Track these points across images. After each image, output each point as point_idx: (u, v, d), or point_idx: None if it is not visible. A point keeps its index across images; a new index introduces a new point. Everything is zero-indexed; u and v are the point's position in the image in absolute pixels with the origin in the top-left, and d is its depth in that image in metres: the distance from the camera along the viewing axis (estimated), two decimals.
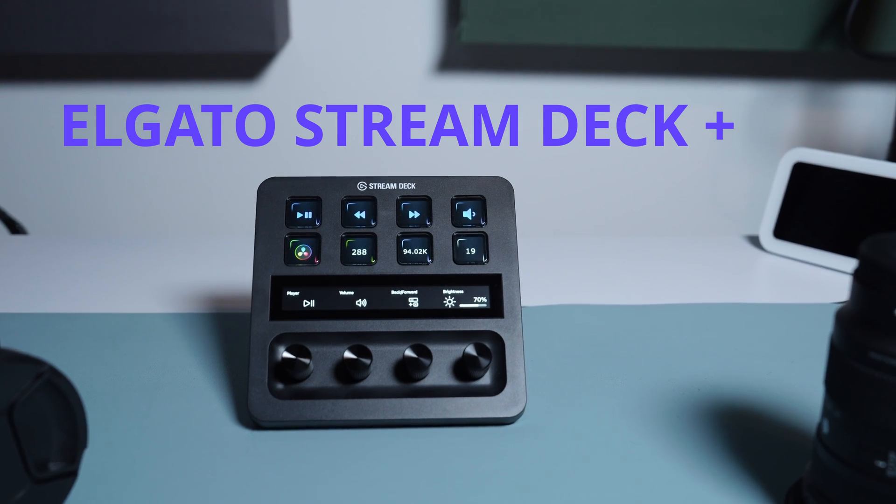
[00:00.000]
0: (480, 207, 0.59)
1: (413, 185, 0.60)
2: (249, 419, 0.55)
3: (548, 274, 0.80)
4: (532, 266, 0.80)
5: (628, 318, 0.70)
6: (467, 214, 0.59)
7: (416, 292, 0.57)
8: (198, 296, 0.74)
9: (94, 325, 0.68)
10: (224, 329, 0.67)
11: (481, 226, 0.59)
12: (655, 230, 1.17)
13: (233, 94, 1.10)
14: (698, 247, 0.88)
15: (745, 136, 1.14)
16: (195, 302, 0.73)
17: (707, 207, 1.17)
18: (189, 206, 1.15)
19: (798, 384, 0.61)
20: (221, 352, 0.64)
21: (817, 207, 0.82)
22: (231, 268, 0.80)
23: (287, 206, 0.59)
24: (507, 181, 0.60)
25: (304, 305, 0.56)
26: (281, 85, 1.10)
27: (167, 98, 1.10)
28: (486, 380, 0.56)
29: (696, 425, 0.55)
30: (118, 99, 1.10)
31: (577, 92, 1.11)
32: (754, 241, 0.89)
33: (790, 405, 0.58)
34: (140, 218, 1.15)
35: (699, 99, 1.12)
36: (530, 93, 1.11)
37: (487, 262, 0.58)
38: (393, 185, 0.60)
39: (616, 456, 0.52)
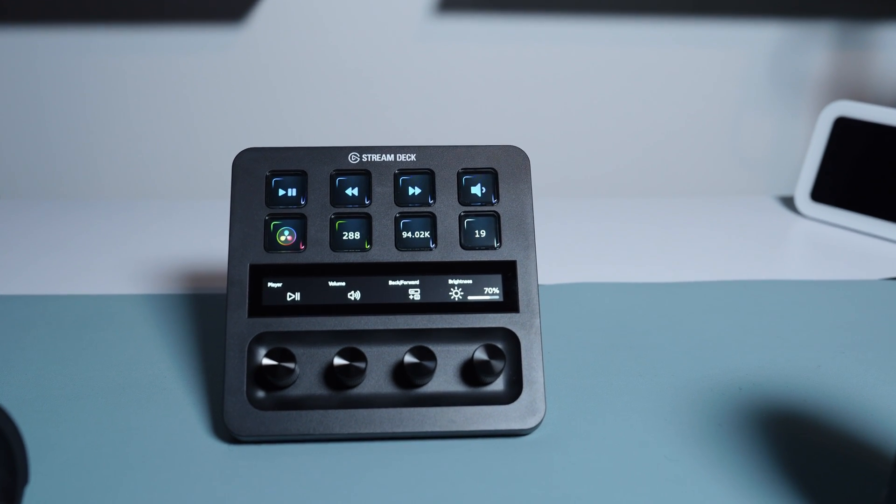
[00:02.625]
0: (491, 182, 0.51)
1: (413, 157, 0.51)
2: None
3: (558, 243, 0.72)
4: (540, 234, 0.71)
5: (654, 298, 0.63)
6: (476, 190, 0.51)
7: (417, 283, 0.49)
8: (176, 272, 0.67)
9: (54, 311, 0.60)
10: (204, 314, 0.60)
11: (492, 204, 0.51)
12: (672, 188, 1.08)
13: (217, 38, 1.00)
14: (726, 209, 0.80)
15: (769, 80, 1.05)
16: (173, 280, 0.65)
17: (727, 161, 1.09)
18: (169, 165, 1.06)
19: (852, 382, 0.53)
20: (200, 343, 0.56)
21: (861, 167, 0.74)
22: (215, 238, 0.72)
23: (267, 182, 0.51)
24: (521, 151, 0.52)
25: (288, 299, 0.49)
26: (268, 27, 1.00)
27: (145, 42, 1.00)
28: (498, 385, 0.48)
29: (740, 436, 0.48)
30: (91, 41, 1.00)
31: (589, 33, 1.02)
32: (788, 202, 0.80)
33: (846, 409, 0.50)
34: (115, 179, 1.07)
35: (718, 40, 1.03)
36: (538, 34, 1.02)
37: (500, 246, 0.50)
38: (390, 157, 0.51)
39: (649, 476, 0.45)
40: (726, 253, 0.71)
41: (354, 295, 0.49)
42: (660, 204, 0.81)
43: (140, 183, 1.06)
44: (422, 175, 0.51)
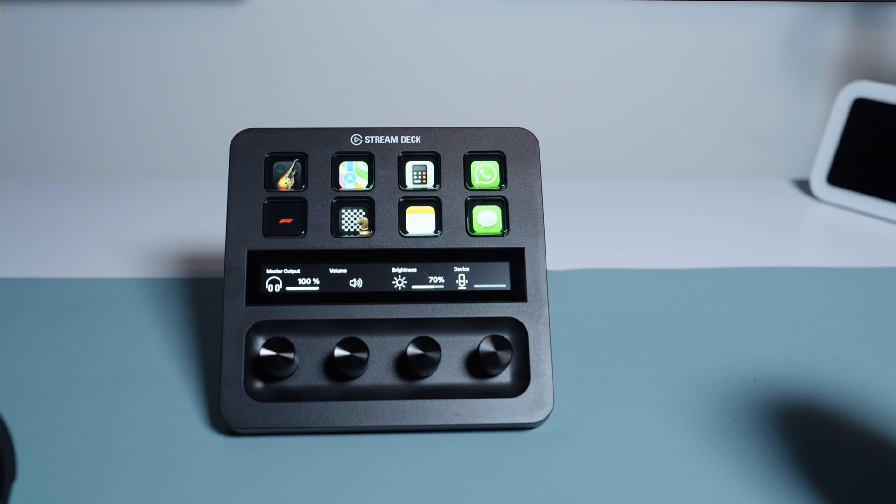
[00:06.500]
0: (499, 166, 0.50)
1: (418, 139, 0.50)
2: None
3: (565, 227, 0.71)
4: (546, 218, 0.70)
5: (665, 285, 0.61)
6: (483, 174, 0.50)
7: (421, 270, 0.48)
8: (175, 255, 0.65)
9: (47, 295, 0.59)
10: (204, 299, 0.58)
11: (500, 189, 0.49)
12: (684, 170, 1.07)
13: (218, 14, 0.99)
14: (739, 192, 0.78)
15: (784, 59, 1.03)
16: (171, 263, 0.64)
17: (740, 142, 1.07)
18: (168, 143, 1.05)
19: (870, 374, 0.52)
20: (198, 330, 0.55)
21: (880, 150, 0.72)
22: (215, 219, 0.70)
23: (266, 165, 0.49)
24: (530, 133, 0.50)
25: (288, 287, 0.47)
26: (270, 3, 0.98)
27: (145, 17, 0.99)
28: (505, 377, 0.47)
29: (754, 431, 0.47)
30: (90, 16, 0.99)
31: (599, 10, 1.00)
32: (803, 186, 0.79)
33: (864, 402, 0.49)
34: (112, 157, 1.05)
35: (731, 18, 1.01)
36: (547, 11, 1.00)
37: (507, 233, 0.49)
38: (394, 139, 0.50)
39: (660, 472, 0.44)
40: (739, 238, 0.69)
41: (356, 282, 0.47)
42: (671, 187, 0.80)
43: (138, 161, 1.05)
44: (427, 158, 0.50)
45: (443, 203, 0.49)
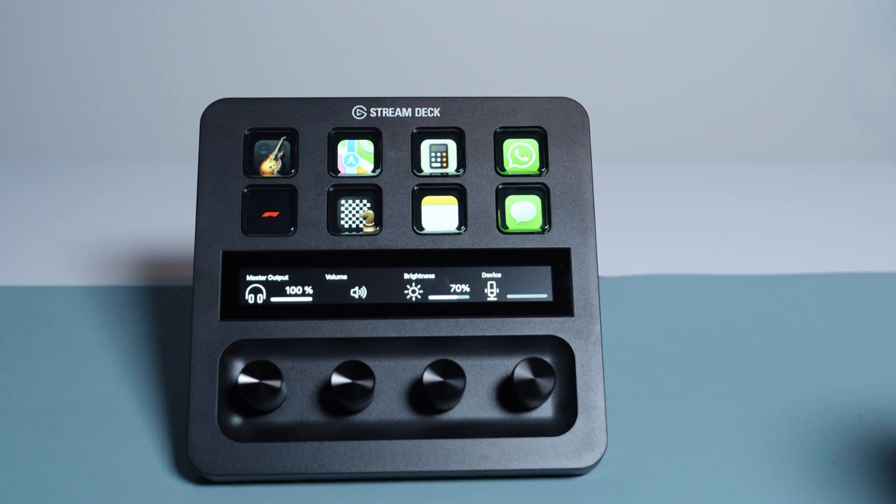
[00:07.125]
0: (538, 145, 0.50)
1: (437, 111, 0.51)
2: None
3: (620, 223, 0.71)
4: (598, 212, 0.70)
5: (744, 296, 0.62)
6: (519, 156, 0.50)
7: (440, 277, 0.49)
8: (132, 258, 0.66)
9: None
10: (166, 312, 0.59)
11: (540, 174, 0.50)
12: (771, 152, 1.07)
13: None
14: (841, 179, 0.79)
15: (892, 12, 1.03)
16: (127, 268, 0.65)
17: (842, 116, 1.07)
18: (126, 117, 1.06)
19: None
20: (160, 352, 0.56)
21: None
22: (184, 212, 0.71)
23: (246, 144, 0.50)
24: (578, 104, 0.51)
25: (273, 297, 0.48)
26: None
27: None
28: (546, 411, 0.48)
29: (859, 478, 0.47)
30: None
31: None
32: None
33: None
34: (55, 135, 1.06)
35: None
36: None
37: (549, 229, 0.49)
38: (407, 111, 0.51)
39: None
40: (843, 236, 0.70)
41: (359, 292, 0.48)
42: (755, 172, 0.80)
43: (85, 140, 1.06)
44: (448, 136, 0.50)
45: (468, 192, 0.50)
